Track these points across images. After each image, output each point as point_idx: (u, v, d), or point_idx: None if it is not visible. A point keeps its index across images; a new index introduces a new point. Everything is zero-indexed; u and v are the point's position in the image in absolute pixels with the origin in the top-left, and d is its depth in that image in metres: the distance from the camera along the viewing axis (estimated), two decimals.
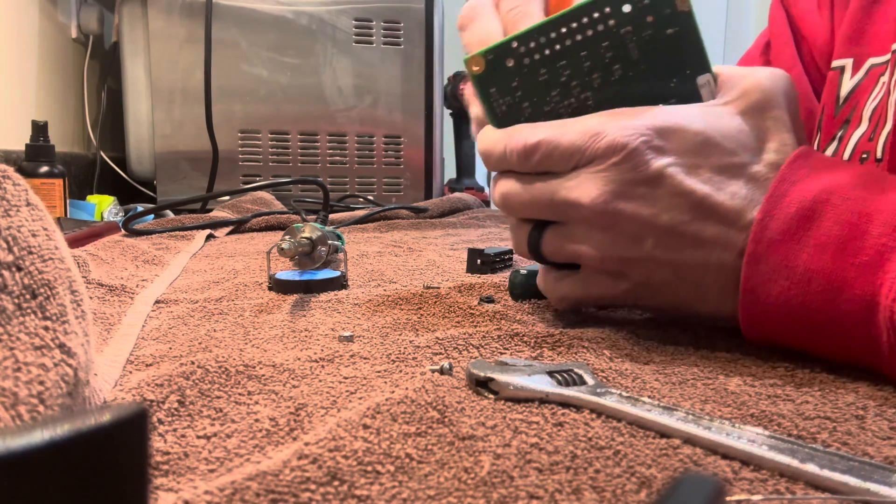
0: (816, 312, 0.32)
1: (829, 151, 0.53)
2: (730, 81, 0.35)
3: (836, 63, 0.54)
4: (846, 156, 0.50)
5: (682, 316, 0.40)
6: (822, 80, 0.57)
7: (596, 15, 0.33)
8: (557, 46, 0.34)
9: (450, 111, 1.76)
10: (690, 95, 0.35)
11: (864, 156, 0.48)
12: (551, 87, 0.36)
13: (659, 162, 0.34)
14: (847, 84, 0.53)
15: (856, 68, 0.52)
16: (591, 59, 0.34)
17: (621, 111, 0.35)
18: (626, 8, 0.33)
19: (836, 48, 0.54)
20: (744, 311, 0.34)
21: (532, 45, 0.34)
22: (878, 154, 0.46)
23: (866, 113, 0.50)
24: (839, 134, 0.52)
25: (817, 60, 0.59)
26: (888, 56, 0.48)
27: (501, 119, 0.38)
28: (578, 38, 0.34)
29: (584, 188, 0.35)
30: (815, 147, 0.55)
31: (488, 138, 0.38)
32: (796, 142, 0.35)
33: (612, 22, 0.33)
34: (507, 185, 0.38)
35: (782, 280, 0.32)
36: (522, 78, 0.36)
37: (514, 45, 0.35)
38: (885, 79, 0.48)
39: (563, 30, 0.34)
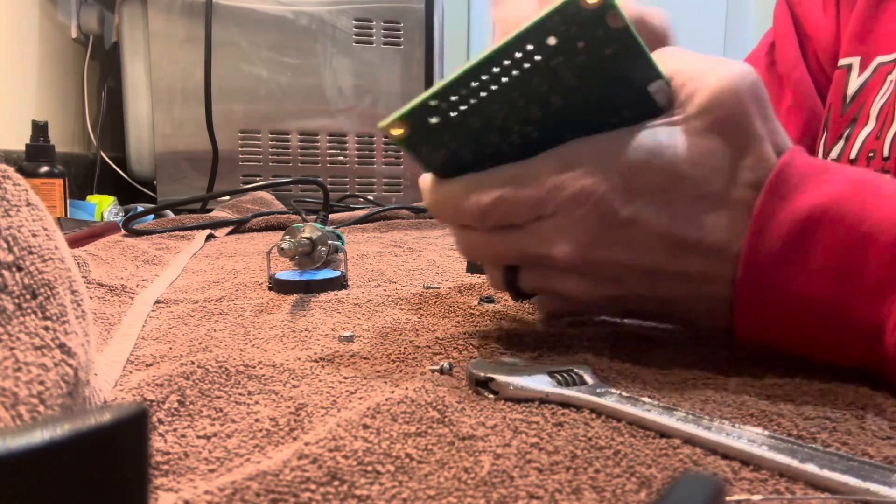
0: (816, 337, 0.31)
1: (836, 150, 0.52)
2: (685, 88, 0.31)
3: (843, 61, 0.53)
4: (853, 154, 0.49)
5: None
6: (826, 80, 0.57)
7: (518, 55, 0.29)
8: (483, 94, 0.30)
9: None
10: (643, 104, 0.31)
11: (871, 154, 0.48)
12: (487, 131, 0.32)
13: (628, 208, 0.31)
14: (854, 82, 0.52)
15: (863, 67, 0.51)
16: (525, 97, 0.31)
17: (579, 148, 0.31)
18: (552, 41, 0.29)
19: (843, 47, 0.54)
20: (740, 332, 0.33)
21: (453, 98, 0.31)
22: (885, 153, 0.46)
23: (873, 111, 0.49)
24: (846, 132, 0.51)
25: (822, 60, 0.57)
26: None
27: (442, 169, 0.34)
28: (504, 80, 0.30)
29: (554, 243, 0.32)
30: (822, 146, 0.54)
31: (434, 194, 0.35)
32: (773, 152, 0.32)
33: (538, 58, 0.29)
34: (469, 239, 0.35)
35: (778, 306, 0.31)
36: (452, 130, 0.32)
37: (433, 103, 0.31)
38: (892, 77, 0.48)
39: (485, 77, 0.30)
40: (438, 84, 0.31)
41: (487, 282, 0.56)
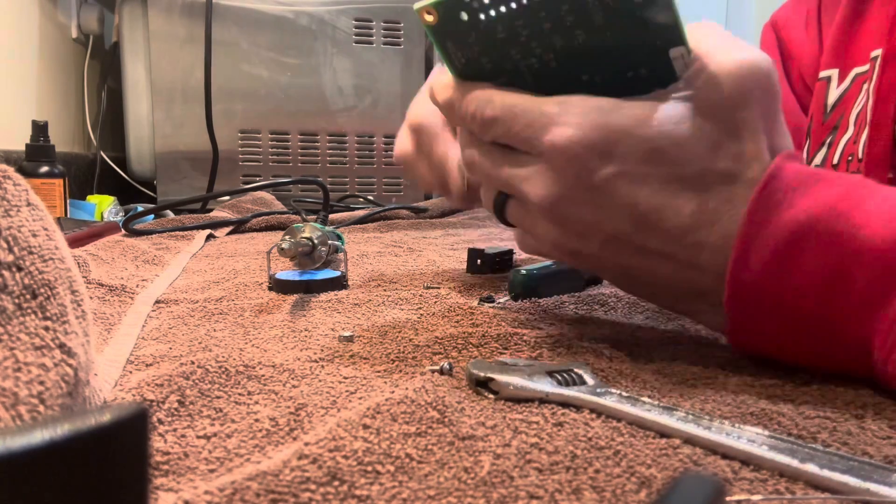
0: (807, 350, 0.31)
1: (819, 157, 0.54)
2: (697, 63, 0.31)
3: (822, 74, 0.56)
4: (835, 159, 0.51)
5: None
6: (808, 95, 0.60)
7: None
8: (513, 4, 0.30)
9: None
10: (662, 66, 0.31)
11: (850, 158, 0.50)
12: (510, 45, 0.32)
13: (604, 171, 0.31)
14: (834, 93, 0.54)
15: (841, 78, 0.54)
16: (551, 21, 0.31)
17: (582, 102, 0.32)
18: None
19: (823, 60, 0.56)
20: (732, 343, 0.34)
21: (486, 0, 0.31)
22: (860, 155, 0.48)
23: (852, 118, 0.51)
24: (828, 140, 0.53)
25: (805, 77, 0.61)
26: (869, 65, 0.50)
27: (462, 71, 0.35)
28: None
29: (533, 183, 0.33)
30: (805, 153, 0.56)
31: (448, 92, 0.36)
32: (767, 151, 0.31)
33: None
34: (471, 153, 0.37)
35: (768, 320, 0.31)
36: (478, 34, 0.32)
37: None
38: (867, 86, 0.50)
39: None
40: None
41: (487, 281, 0.56)
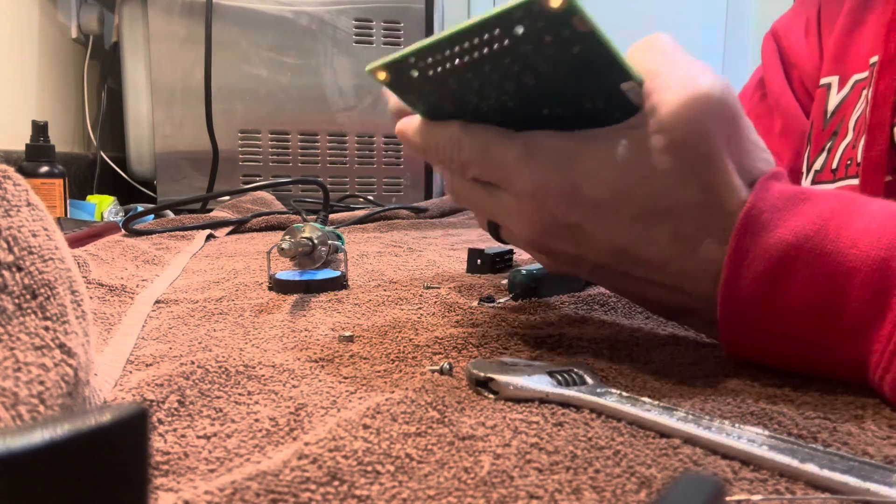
0: (803, 366, 0.32)
1: (819, 161, 0.55)
2: (652, 97, 0.30)
3: (823, 81, 0.57)
4: (835, 164, 0.52)
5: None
6: (810, 102, 0.60)
7: (486, 36, 0.29)
8: (457, 61, 0.30)
9: None
10: (617, 98, 0.31)
11: (849, 163, 0.51)
12: (466, 92, 0.32)
13: (574, 214, 0.32)
14: (834, 99, 0.55)
15: (841, 84, 0.55)
16: (498, 72, 0.30)
17: (544, 142, 0.32)
18: (519, 30, 0.28)
19: (823, 68, 0.57)
20: (729, 355, 0.34)
21: (429, 60, 0.31)
22: (859, 159, 0.49)
23: (851, 124, 0.52)
24: (828, 145, 0.54)
25: (807, 85, 0.62)
26: (868, 71, 0.51)
27: (427, 114, 0.36)
28: (476, 55, 0.30)
29: (514, 221, 0.35)
30: (806, 158, 0.57)
31: (419, 136, 0.36)
32: (738, 177, 0.31)
33: (507, 42, 0.29)
34: (456, 187, 0.38)
35: (761, 340, 0.31)
36: (432, 86, 0.33)
37: (412, 60, 0.31)
38: (866, 92, 0.51)
39: (457, 48, 0.30)
40: (418, 44, 0.31)
41: (487, 282, 0.56)
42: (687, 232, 0.31)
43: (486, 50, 0.30)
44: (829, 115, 0.55)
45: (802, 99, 0.62)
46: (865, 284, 0.28)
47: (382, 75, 0.33)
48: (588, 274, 0.36)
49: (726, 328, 0.32)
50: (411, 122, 0.37)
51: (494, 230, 0.40)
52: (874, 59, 0.50)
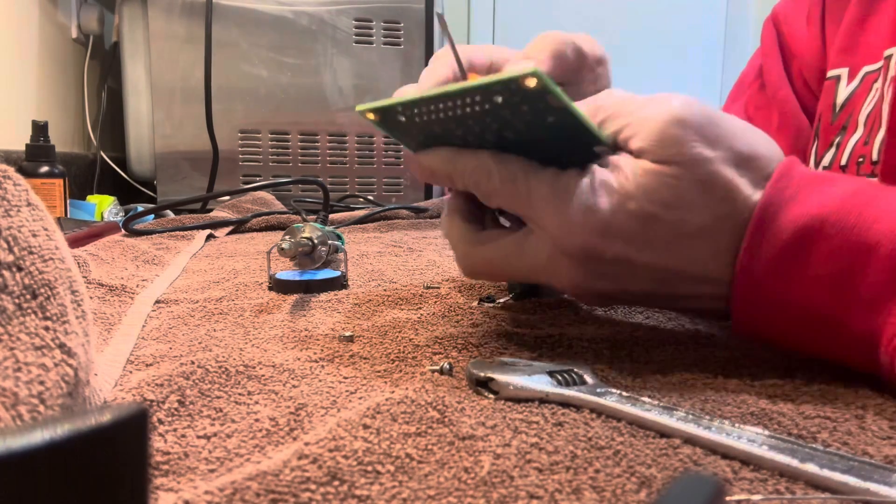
0: (813, 343, 0.32)
1: (828, 157, 0.53)
2: (626, 131, 0.32)
3: (831, 73, 0.54)
4: (844, 160, 0.50)
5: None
6: (812, 97, 0.59)
7: (468, 100, 0.31)
8: (441, 115, 0.32)
9: None
10: (591, 154, 0.33)
11: (861, 160, 0.49)
12: (450, 136, 0.34)
13: (611, 250, 0.32)
14: (843, 92, 0.53)
15: (851, 77, 0.52)
16: (480, 126, 0.32)
17: (567, 185, 0.32)
18: (499, 99, 0.30)
19: (830, 59, 0.55)
20: (737, 332, 0.34)
21: (415, 111, 0.33)
22: (874, 157, 0.47)
23: (861, 118, 0.50)
24: (836, 140, 0.52)
25: (807, 77, 0.59)
26: (881, 63, 0.49)
27: (415, 148, 0.37)
28: (459, 112, 0.32)
29: (555, 272, 0.34)
30: (813, 154, 0.55)
31: (450, 161, 0.35)
32: (737, 181, 0.31)
33: (487, 106, 0.31)
34: (475, 256, 0.37)
35: (775, 313, 0.32)
36: (418, 129, 0.34)
37: (399, 108, 0.33)
38: (878, 85, 0.49)
39: (441, 105, 0.32)
40: (405, 97, 0.33)
41: (487, 282, 0.56)
42: (723, 243, 0.32)
43: (468, 109, 0.32)
44: (837, 108, 0.53)
45: (801, 91, 0.60)
46: (886, 258, 0.29)
47: (371, 116, 0.35)
48: (631, 302, 0.36)
49: (739, 298, 0.32)
50: (439, 151, 0.36)
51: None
52: (890, 50, 0.48)
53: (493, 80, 0.29)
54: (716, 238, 0.31)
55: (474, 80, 0.30)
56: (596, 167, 0.32)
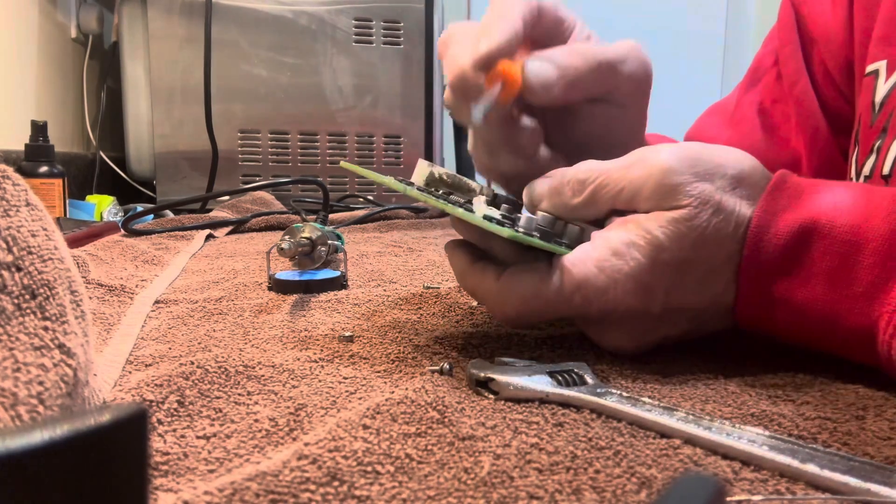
0: (814, 338, 0.33)
1: (868, 165, 0.46)
2: (623, 193, 0.33)
3: (870, 67, 0.47)
4: (886, 169, 0.43)
5: None
6: (834, 91, 0.53)
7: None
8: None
9: (449, 112, 1.76)
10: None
11: None
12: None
13: (656, 304, 0.33)
14: (882, 88, 0.46)
15: (890, 70, 0.45)
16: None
17: (587, 261, 0.33)
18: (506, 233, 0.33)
19: (869, 51, 0.48)
20: (743, 327, 0.35)
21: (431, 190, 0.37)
22: None
23: None
24: (877, 144, 0.45)
25: (829, 67, 0.52)
26: None
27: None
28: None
29: (611, 338, 0.35)
30: (854, 162, 0.48)
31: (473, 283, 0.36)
32: (739, 203, 0.33)
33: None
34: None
35: (777, 311, 0.33)
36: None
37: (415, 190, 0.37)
38: None
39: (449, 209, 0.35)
40: (385, 179, 0.36)
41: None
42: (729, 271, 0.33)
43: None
44: (876, 108, 0.46)
45: (822, 85, 0.53)
46: (877, 251, 0.30)
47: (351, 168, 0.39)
48: (663, 341, 0.36)
49: (744, 304, 0.33)
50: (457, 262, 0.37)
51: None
52: None
53: (485, 225, 0.32)
54: (735, 263, 0.33)
55: (476, 219, 0.33)
56: (608, 235, 0.33)
